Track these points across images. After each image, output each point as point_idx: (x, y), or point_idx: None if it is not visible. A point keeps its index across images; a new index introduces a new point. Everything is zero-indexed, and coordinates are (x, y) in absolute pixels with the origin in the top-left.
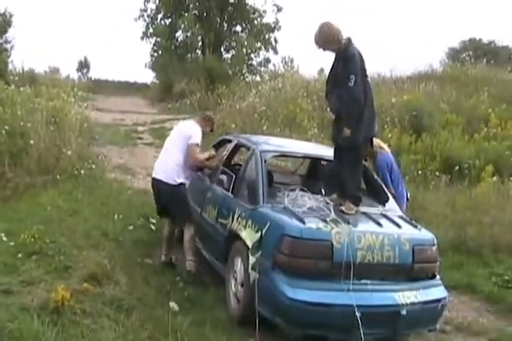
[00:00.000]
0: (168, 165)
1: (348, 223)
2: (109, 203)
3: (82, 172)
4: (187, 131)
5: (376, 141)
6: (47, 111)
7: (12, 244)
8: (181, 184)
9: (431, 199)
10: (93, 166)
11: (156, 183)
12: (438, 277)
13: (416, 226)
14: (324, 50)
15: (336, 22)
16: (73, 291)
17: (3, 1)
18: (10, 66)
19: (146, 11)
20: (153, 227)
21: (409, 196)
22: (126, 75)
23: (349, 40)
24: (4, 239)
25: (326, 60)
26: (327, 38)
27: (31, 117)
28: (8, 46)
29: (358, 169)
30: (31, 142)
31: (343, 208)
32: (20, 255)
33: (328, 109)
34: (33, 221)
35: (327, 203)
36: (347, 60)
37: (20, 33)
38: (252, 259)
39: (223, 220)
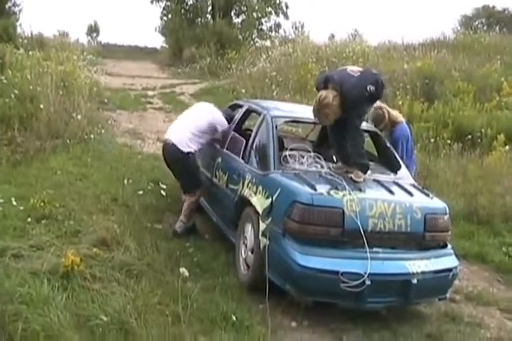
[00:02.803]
0: (185, 131)
1: (360, 190)
2: (119, 168)
3: (92, 136)
4: (214, 119)
5: (394, 111)
6: (56, 76)
7: (22, 208)
8: (190, 153)
9: (442, 168)
10: (103, 131)
11: (167, 145)
12: (449, 246)
13: (428, 195)
14: None
15: None
16: (83, 256)
17: None
18: (19, 30)
19: None
20: (163, 193)
21: (416, 167)
22: (136, 40)
23: None
24: (14, 203)
25: (337, 25)
26: None
27: (41, 81)
28: (16, 10)
29: (360, 132)
30: (41, 106)
31: (352, 176)
32: (30, 219)
33: None
34: (43, 185)
35: (338, 170)
36: None
37: None
38: (262, 225)
39: (234, 186)
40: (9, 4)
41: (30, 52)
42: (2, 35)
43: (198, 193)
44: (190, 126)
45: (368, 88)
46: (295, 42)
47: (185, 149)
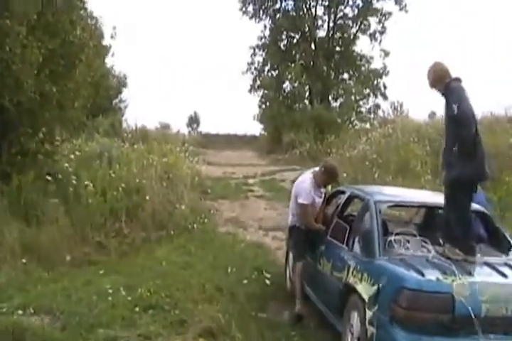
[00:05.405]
0: (290, 212)
1: (470, 274)
2: (222, 257)
3: (195, 226)
4: (297, 187)
5: None
6: (160, 167)
7: (129, 298)
8: (294, 226)
9: None
10: (205, 220)
11: None
12: None
13: None
14: (433, 88)
15: (445, 64)
16: None
17: (118, 62)
18: (124, 124)
19: (253, 64)
20: (267, 281)
21: None
22: (235, 128)
23: (455, 78)
24: (123, 292)
25: (438, 102)
26: (435, 76)
27: (145, 173)
28: (122, 105)
29: (465, 212)
30: (146, 198)
31: (460, 259)
32: (137, 309)
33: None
34: (149, 275)
35: (445, 253)
36: (449, 93)
37: (132, 91)
38: (369, 313)
39: (338, 273)
40: (116, 101)
41: (135, 146)
42: (109, 131)
43: (299, 264)
44: (291, 209)
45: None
46: (395, 122)
47: (289, 223)
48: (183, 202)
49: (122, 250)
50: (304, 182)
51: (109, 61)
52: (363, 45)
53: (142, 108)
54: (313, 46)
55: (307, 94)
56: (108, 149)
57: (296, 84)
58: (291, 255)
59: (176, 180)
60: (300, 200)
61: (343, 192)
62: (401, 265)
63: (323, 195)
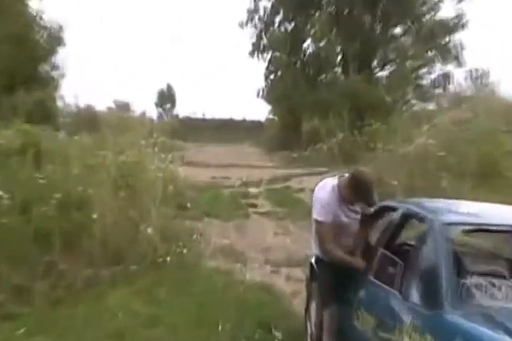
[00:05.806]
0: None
1: None
2: (209, 306)
3: (168, 259)
4: (314, 196)
5: None
6: (115, 169)
7: None
8: (319, 257)
9: None
10: (184, 250)
11: None
12: None
13: None
14: None
15: None
16: None
17: (50, 7)
18: (59, 103)
19: (257, 12)
20: None
21: None
22: (230, 110)
23: None
24: None
25: None
26: None
27: (93, 179)
28: (56, 74)
29: None
30: (93, 216)
31: None
32: None
33: None
34: (96, 334)
35: None
36: None
37: (73, 52)
38: None
39: (386, 333)
40: (46, 68)
41: (77, 136)
42: (35, 112)
43: (327, 313)
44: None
45: None
46: (475, 101)
47: (312, 254)
48: (151, 223)
49: (55, 296)
50: (324, 189)
51: (34, 5)
52: None
53: (88, 79)
54: None
55: (339, 58)
56: (35, 141)
57: (322, 44)
58: (314, 302)
59: (140, 188)
60: (314, 215)
61: (393, 209)
62: (484, 323)
63: (357, 216)
